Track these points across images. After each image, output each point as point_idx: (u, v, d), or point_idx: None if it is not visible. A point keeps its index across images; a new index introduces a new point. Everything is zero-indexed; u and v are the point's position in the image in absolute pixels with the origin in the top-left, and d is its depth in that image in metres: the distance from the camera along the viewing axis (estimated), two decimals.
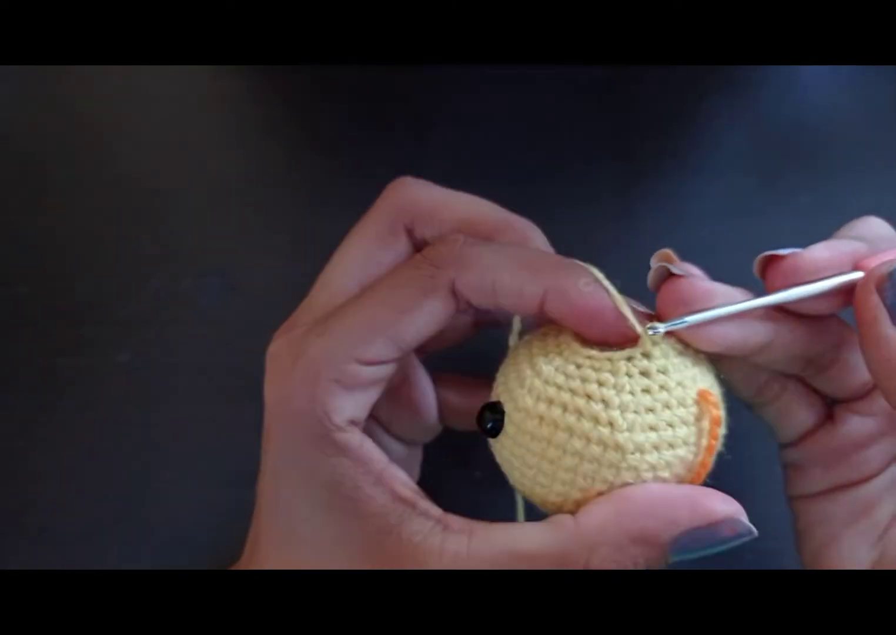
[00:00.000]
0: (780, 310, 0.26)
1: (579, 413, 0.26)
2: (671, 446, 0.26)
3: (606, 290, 0.26)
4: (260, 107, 0.46)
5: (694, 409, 0.26)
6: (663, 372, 0.26)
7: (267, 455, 0.28)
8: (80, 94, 0.46)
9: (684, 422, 0.26)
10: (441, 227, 0.29)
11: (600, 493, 0.26)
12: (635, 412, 0.25)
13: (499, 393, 0.27)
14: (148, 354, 0.39)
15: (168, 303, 0.40)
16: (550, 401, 0.26)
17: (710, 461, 0.26)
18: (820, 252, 0.25)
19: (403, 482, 0.27)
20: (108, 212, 0.42)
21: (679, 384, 0.26)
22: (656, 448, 0.26)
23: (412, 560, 0.25)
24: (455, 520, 0.26)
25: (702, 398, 0.26)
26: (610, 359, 0.26)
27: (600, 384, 0.26)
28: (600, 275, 0.27)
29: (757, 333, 0.26)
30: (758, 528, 0.26)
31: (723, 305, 0.25)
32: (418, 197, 0.29)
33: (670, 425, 0.26)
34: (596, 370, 0.26)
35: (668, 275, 0.26)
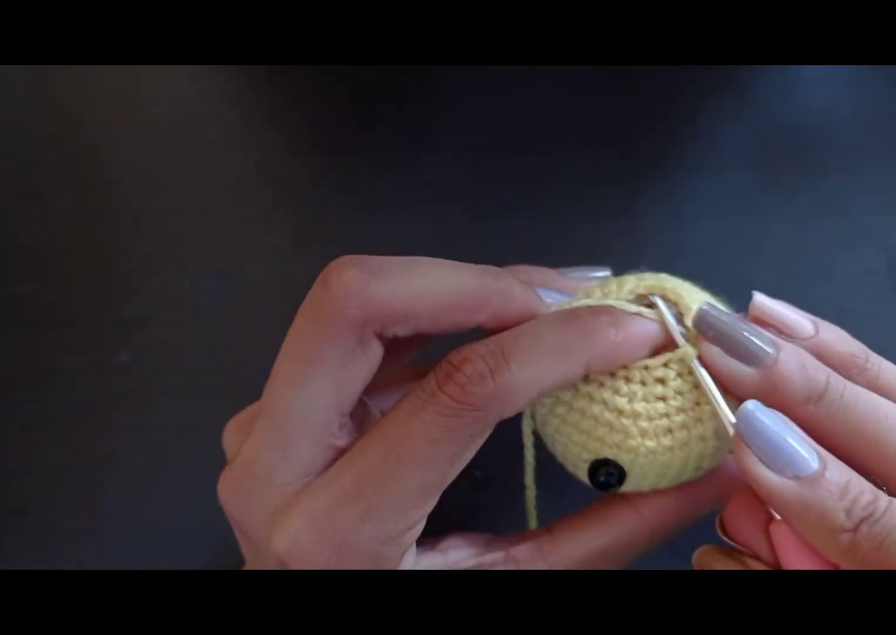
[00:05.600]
0: None
1: (699, 420, 0.26)
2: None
3: (638, 314, 0.26)
4: (260, 107, 0.46)
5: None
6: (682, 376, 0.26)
7: None
8: (80, 94, 0.46)
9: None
10: (419, 322, 0.26)
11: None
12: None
13: (595, 449, 0.27)
14: (148, 354, 0.39)
15: (168, 303, 0.40)
16: (671, 431, 0.26)
17: None
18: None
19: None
20: (108, 213, 0.42)
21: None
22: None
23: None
24: (521, 552, 0.27)
25: None
26: (683, 358, 0.26)
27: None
28: (629, 306, 0.26)
29: None
30: None
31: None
32: (383, 300, 0.25)
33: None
34: (680, 375, 0.26)
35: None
